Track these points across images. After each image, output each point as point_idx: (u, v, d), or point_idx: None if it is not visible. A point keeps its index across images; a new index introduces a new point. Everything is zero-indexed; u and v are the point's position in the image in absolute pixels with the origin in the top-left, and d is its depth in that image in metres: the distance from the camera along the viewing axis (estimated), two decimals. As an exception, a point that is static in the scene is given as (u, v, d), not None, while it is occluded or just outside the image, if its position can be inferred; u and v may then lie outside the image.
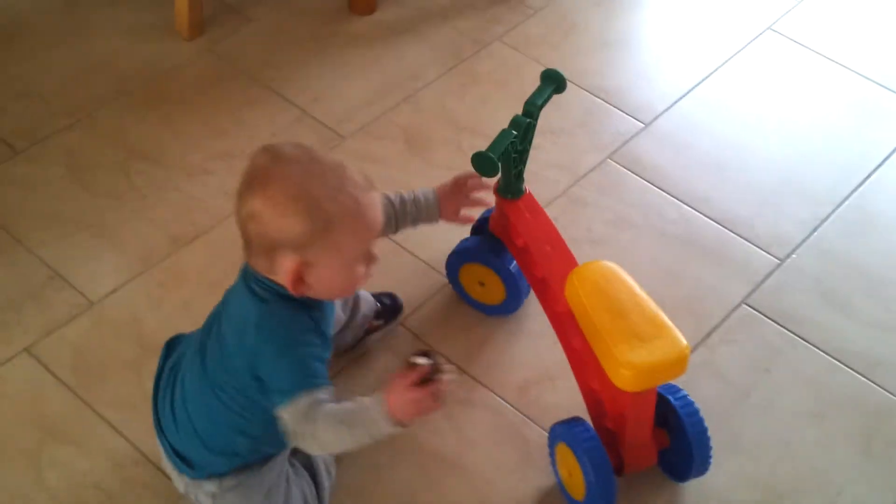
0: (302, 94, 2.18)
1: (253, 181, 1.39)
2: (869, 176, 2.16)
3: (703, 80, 2.32)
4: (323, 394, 1.40)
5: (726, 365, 1.84)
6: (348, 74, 2.24)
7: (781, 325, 1.89)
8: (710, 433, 1.63)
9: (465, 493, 1.65)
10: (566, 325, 1.66)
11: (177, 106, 2.17)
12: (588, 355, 1.60)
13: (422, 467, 1.66)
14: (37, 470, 1.62)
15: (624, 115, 2.23)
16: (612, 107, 2.24)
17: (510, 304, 1.88)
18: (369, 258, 1.45)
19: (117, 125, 2.12)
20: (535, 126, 1.71)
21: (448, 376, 1.38)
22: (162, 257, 1.90)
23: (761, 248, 2.01)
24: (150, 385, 1.66)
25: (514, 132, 1.67)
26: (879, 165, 2.18)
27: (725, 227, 2.04)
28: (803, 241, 2.03)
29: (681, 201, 2.07)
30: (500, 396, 1.76)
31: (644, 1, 2.52)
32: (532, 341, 1.85)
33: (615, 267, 1.61)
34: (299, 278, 1.40)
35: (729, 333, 1.88)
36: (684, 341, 1.51)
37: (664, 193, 2.08)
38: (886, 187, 2.15)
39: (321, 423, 1.38)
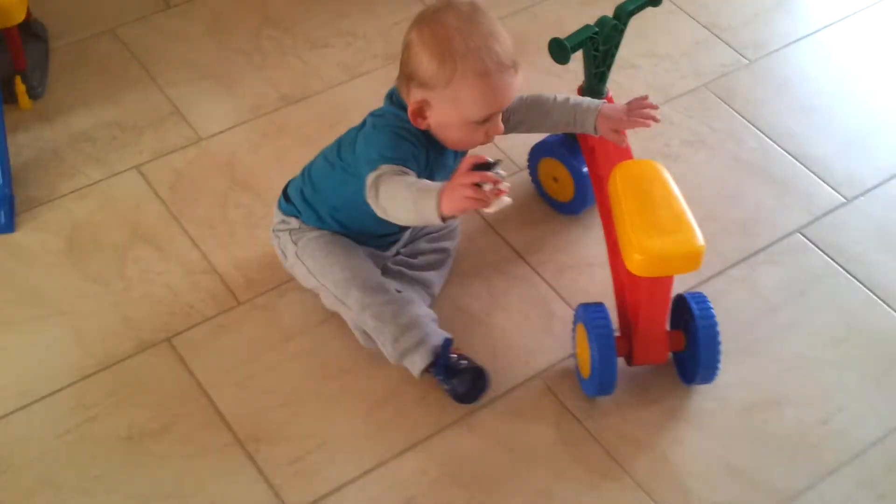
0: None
1: (421, 16, 1.60)
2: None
3: (815, 31, 2.38)
4: (407, 170, 1.57)
5: (763, 282, 1.92)
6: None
7: (829, 257, 1.95)
8: (722, 345, 1.71)
9: (483, 346, 1.80)
10: (609, 219, 1.78)
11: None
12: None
13: (450, 319, 1.82)
14: (121, 261, 1.87)
15: (730, 49, 2.31)
16: (720, 41, 2.33)
17: (577, 204, 2.00)
18: (492, 126, 1.61)
19: (260, -3, 2.37)
20: (622, 30, 1.81)
21: (503, 184, 1.47)
22: (270, 110, 2.13)
23: (831, 186, 2.06)
24: (232, 213, 1.93)
25: (596, 28, 1.78)
26: (977, 130, 2.19)
27: (800, 162, 2.10)
28: (875, 186, 2.07)
29: (763, 133, 2.15)
30: (538, 272, 1.91)
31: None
32: (583, 232, 1.98)
33: (658, 166, 1.72)
34: (420, 112, 1.59)
35: (775, 255, 1.95)
36: (701, 240, 1.61)
37: (748, 124, 2.16)
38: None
39: (397, 184, 1.54)
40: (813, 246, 1.97)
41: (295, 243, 1.78)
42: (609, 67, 1.85)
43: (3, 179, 1.91)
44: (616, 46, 1.84)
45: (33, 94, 2.07)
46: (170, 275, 1.86)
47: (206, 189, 1.99)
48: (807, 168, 2.10)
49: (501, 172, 1.47)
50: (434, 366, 1.71)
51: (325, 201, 1.74)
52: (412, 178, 1.56)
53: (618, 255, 1.73)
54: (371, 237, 1.78)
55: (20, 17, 1.99)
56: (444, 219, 1.49)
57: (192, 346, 1.77)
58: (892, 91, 2.26)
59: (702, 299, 1.75)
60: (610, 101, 1.87)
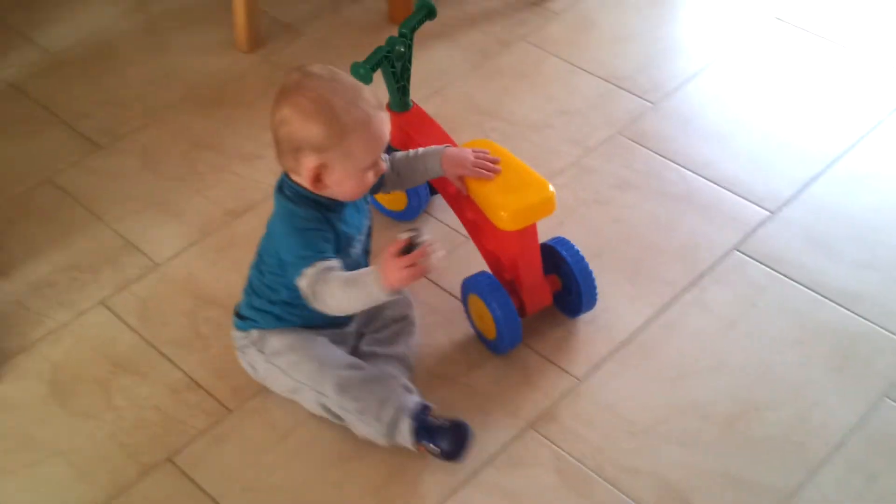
0: (344, 91, 2.47)
1: (285, 92, 1.69)
2: (861, 139, 2.34)
3: (706, 66, 2.54)
4: (330, 263, 1.69)
5: (715, 301, 2.03)
6: (388, 75, 2.54)
7: (769, 267, 2.08)
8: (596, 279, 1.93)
9: (468, 406, 1.86)
10: (459, 202, 1.99)
11: (236, 108, 2.47)
12: (481, 221, 1.89)
13: (431, 388, 1.88)
14: (107, 394, 1.91)
15: (633, 95, 2.46)
16: (622, 90, 2.48)
17: (411, 211, 2.17)
18: (377, 167, 1.73)
19: (185, 124, 2.44)
20: (410, 45, 2.01)
21: (430, 246, 1.63)
22: (217, 226, 2.20)
23: (754, 202, 2.21)
24: (203, 328, 1.99)
25: (388, 48, 1.97)
26: (871, 130, 2.36)
27: (721, 186, 2.24)
28: (795, 195, 2.22)
29: (681, 165, 2.29)
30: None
31: (652, 3, 2.76)
32: (434, 226, 2.18)
33: (491, 142, 1.95)
34: (318, 177, 1.68)
35: (719, 275, 2.08)
36: (550, 187, 1.85)
37: (666, 160, 2.30)
38: (878, 150, 2.33)
39: (332, 285, 1.67)
40: (751, 260, 2.10)
41: (262, 351, 1.84)
42: (408, 80, 2.06)
43: (-27, 337, 1.94)
44: (409, 61, 2.04)
45: (-16, 252, 2.12)
46: (157, 397, 1.90)
47: (173, 310, 2.05)
48: (728, 190, 2.24)
49: (423, 239, 1.63)
50: (418, 432, 1.76)
51: (275, 298, 1.81)
52: (337, 271, 1.68)
53: (479, 230, 1.97)
54: (330, 318, 1.83)
55: (-39, 179, 2.04)
56: (393, 292, 1.65)
57: (194, 460, 1.81)
58: (781, 111, 2.43)
59: (564, 241, 1.96)
60: (417, 108, 2.09)
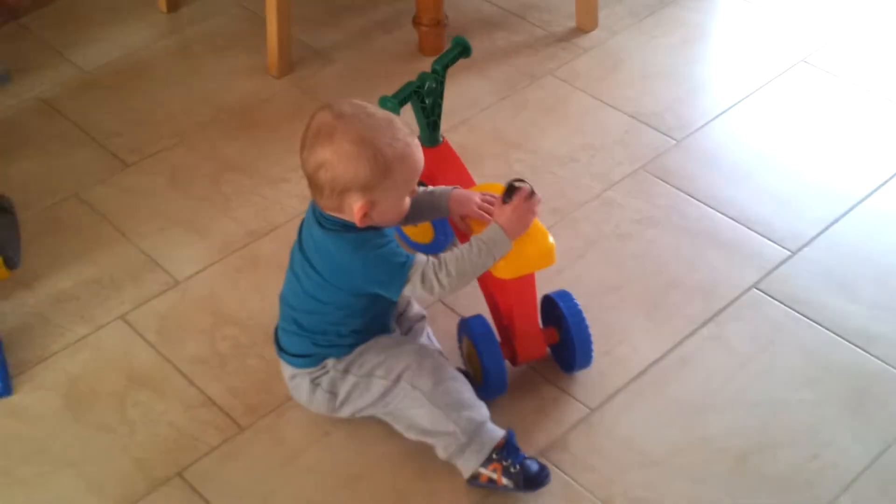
0: (371, 118, 2.49)
1: (319, 134, 1.68)
2: (884, 182, 2.33)
3: (731, 106, 2.55)
4: (421, 256, 1.73)
5: (732, 337, 2.03)
6: (416, 105, 2.56)
7: (787, 306, 2.08)
8: (593, 340, 1.91)
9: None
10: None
11: (264, 130, 2.50)
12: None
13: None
14: (122, 408, 1.92)
15: (658, 132, 2.47)
16: (647, 126, 2.49)
17: (438, 244, 2.16)
18: (413, 191, 1.76)
19: (213, 145, 2.47)
20: (442, 81, 2.01)
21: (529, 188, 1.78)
22: (240, 246, 2.22)
23: (775, 242, 2.20)
24: (220, 346, 2.01)
25: (418, 83, 1.98)
26: (894, 174, 2.35)
27: (742, 224, 2.24)
28: (815, 236, 2.22)
29: (703, 203, 2.29)
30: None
31: (683, 40, 2.77)
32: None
33: (502, 187, 1.89)
34: (366, 214, 1.69)
35: (737, 312, 2.07)
36: (551, 238, 1.82)
37: (688, 197, 2.31)
38: (901, 191, 2.34)
39: (452, 261, 1.73)
40: (770, 298, 2.09)
41: (347, 371, 1.82)
42: (439, 117, 2.05)
43: (-6, 347, 1.97)
44: (440, 97, 2.03)
45: (10, 265, 2.13)
46: (171, 413, 1.91)
47: (192, 328, 2.06)
48: (749, 229, 2.23)
49: (521, 181, 1.80)
50: (507, 447, 1.76)
51: (345, 331, 1.80)
52: (452, 254, 1.74)
53: (486, 276, 1.90)
54: (381, 322, 1.86)
55: (-10, 192, 2.07)
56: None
57: (205, 476, 1.82)
58: (806, 151, 2.43)
59: (565, 296, 1.93)
60: (446, 145, 2.09)
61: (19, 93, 2.63)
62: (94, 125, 2.53)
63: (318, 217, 1.75)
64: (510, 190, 1.79)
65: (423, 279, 1.72)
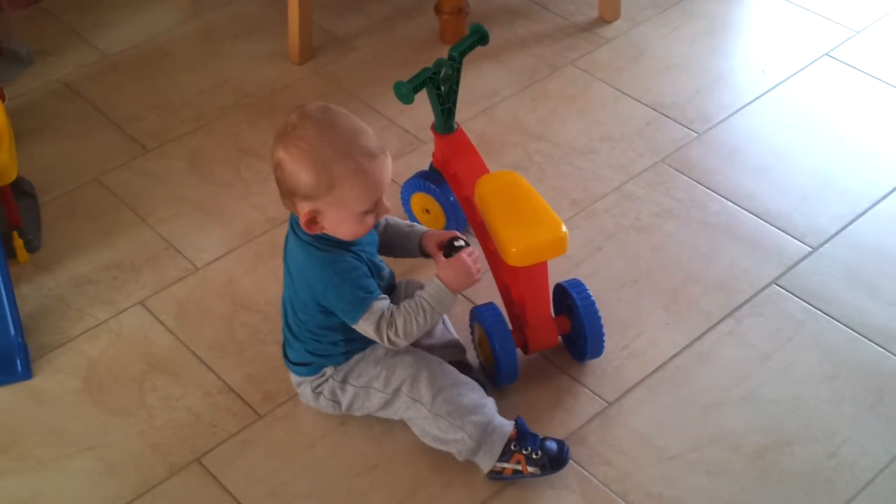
0: (391, 106, 2.48)
1: (281, 133, 1.67)
2: (907, 179, 2.33)
3: (754, 99, 2.53)
4: (382, 303, 1.71)
5: (751, 333, 2.02)
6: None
7: (807, 303, 2.07)
8: (605, 333, 1.91)
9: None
10: (483, 234, 1.97)
11: (284, 116, 2.44)
12: (498, 253, 1.86)
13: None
14: (140, 392, 1.93)
15: (679, 125, 2.46)
16: (668, 118, 2.48)
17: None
18: (379, 208, 1.70)
19: (233, 130, 2.47)
20: (458, 69, 1.99)
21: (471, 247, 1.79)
22: (259, 233, 2.22)
23: (795, 238, 2.19)
24: (239, 333, 2.01)
25: (434, 69, 1.96)
26: (919, 170, 2.36)
27: (763, 220, 2.23)
28: (836, 233, 2.21)
29: (723, 197, 2.28)
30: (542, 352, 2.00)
31: (706, 32, 2.76)
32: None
33: (515, 175, 1.92)
34: (313, 221, 1.68)
35: (757, 307, 2.06)
36: (564, 227, 1.81)
37: (708, 191, 2.30)
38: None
39: (401, 321, 1.71)
40: (790, 294, 2.09)
41: (345, 381, 1.82)
42: (454, 104, 2.04)
43: (14, 330, 1.97)
44: (456, 84, 2.02)
45: (30, 248, 2.15)
46: (189, 399, 1.92)
47: (210, 314, 2.07)
48: (770, 224, 2.23)
49: (463, 240, 1.81)
50: (520, 435, 1.76)
51: (337, 339, 1.80)
52: (393, 307, 1.73)
53: (496, 260, 1.93)
54: None
55: (12, 176, 2.07)
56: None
57: (222, 462, 1.82)
58: (828, 147, 2.42)
59: (577, 284, 1.92)
60: (461, 132, 2.06)
61: (41, 75, 2.64)
62: (115, 109, 2.54)
63: (293, 223, 1.75)
64: (451, 247, 1.80)
65: (377, 328, 1.71)
